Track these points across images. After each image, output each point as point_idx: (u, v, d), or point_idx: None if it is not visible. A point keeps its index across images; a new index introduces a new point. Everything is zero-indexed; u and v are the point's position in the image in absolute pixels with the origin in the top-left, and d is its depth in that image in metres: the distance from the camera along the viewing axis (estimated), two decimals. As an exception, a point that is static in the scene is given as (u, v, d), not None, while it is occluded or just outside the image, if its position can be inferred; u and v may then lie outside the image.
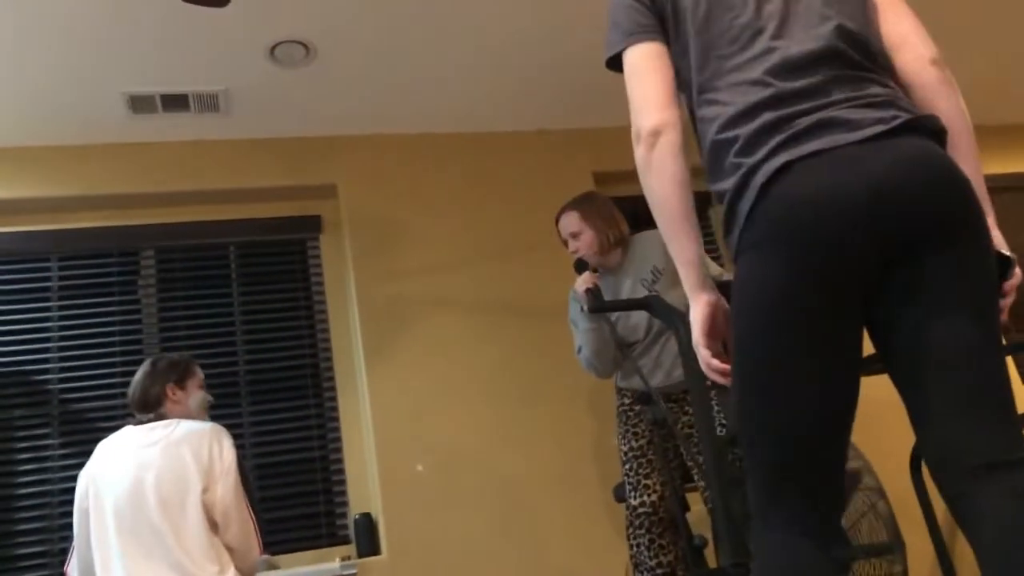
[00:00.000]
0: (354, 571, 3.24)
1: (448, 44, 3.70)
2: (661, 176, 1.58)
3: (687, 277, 1.60)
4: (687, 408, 3.11)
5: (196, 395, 2.86)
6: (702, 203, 4.63)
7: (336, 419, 3.90)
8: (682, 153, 1.58)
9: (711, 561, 2.88)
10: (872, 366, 1.49)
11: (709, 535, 2.83)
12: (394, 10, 3.42)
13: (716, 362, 1.58)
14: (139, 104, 3.73)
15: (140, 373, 2.83)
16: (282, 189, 4.14)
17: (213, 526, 2.59)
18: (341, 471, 3.82)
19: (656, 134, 1.58)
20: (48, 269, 3.87)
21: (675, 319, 2.65)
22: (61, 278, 3.87)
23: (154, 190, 3.97)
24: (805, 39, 1.52)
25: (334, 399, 3.93)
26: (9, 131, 3.77)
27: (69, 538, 3.21)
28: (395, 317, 3.96)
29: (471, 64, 3.86)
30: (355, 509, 3.73)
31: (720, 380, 1.57)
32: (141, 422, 2.74)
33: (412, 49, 3.69)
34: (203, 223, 4.06)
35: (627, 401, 3.22)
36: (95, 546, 2.55)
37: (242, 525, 2.66)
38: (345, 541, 3.69)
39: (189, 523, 2.54)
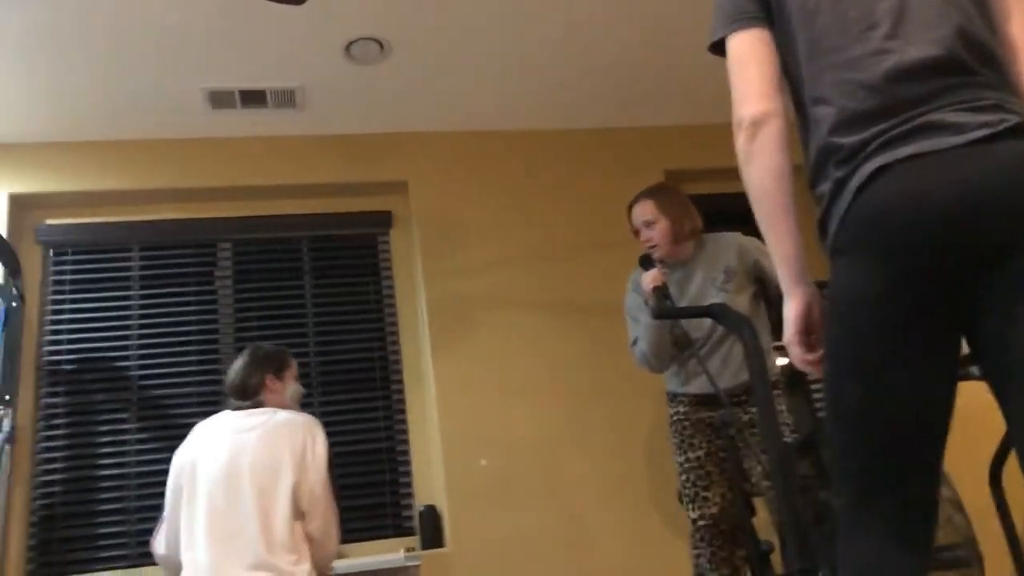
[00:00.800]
0: (418, 563, 3.28)
1: (521, 41, 3.70)
2: (761, 168, 1.54)
3: (784, 273, 1.57)
4: (749, 409, 3.02)
5: (292, 386, 2.94)
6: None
7: (403, 412, 3.95)
8: (785, 144, 1.54)
9: (777, 568, 2.83)
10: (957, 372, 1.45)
11: (774, 540, 2.78)
12: (467, 7, 3.44)
13: (810, 356, 1.55)
14: (218, 99, 3.83)
15: (240, 361, 2.90)
16: (354, 185, 4.20)
17: (298, 516, 2.65)
18: (407, 463, 3.86)
19: (758, 124, 1.54)
20: (130, 259, 3.99)
21: (742, 325, 2.58)
22: (142, 268, 3.99)
23: (231, 184, 4.08)
24: (922, 42, 1.44)
25: (401, 392, 3.98)
26: (94, 126, 3.91)
27: (146, 519, 3.33)
28: (462, 313, 3.99)
29: (543, 61, 3.86)
30: (420, 501, 3.77)
31: (815, 372, 1.55)
32: (238, 408, 2.81)
33: (485, 46, 3.71)
34: (277, 217, 4.15)
35: (683, 410, 3.08)
36: (183, 523, 2.62)
37: (326, 517, 2.71)
38: (409, 532, 3.74)
39: (278, 511, 2.59)
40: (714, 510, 2.96)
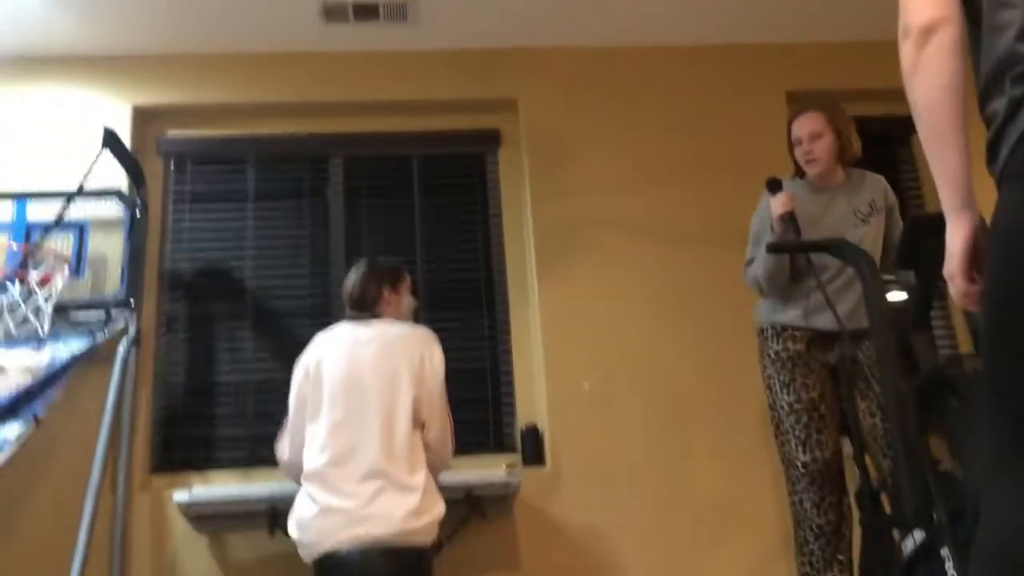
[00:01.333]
0: (519, 480, 3.32)
1: (640, -47, 3.55)
2: (930, 80, 1.41)
3: (947, 197, 1.43)
4: (863, 347, 2.93)
5: (407, 299, 3.00)
6: (904, 128, 4.32)
7: (507, 332, 3.97)
8: (959, 53, 1.39)
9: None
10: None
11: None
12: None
13: (975, 289, 1.43)
14: (332, 13, 3.82)
15: (357, 273, 2.95)
16: (464, 102, 4.16)
17: (417, 425, 2.71)
18: (510, 383, 3.90)
19: (929, 31, 1.40)
20: (245, 172, 4.08)
21: (861, 260, 2.50)
22: (257, 181, 4.08)
23: (343, 99, 4.10)
24: None
25: (506, 312, 3.99)
26: (213, 38, 3.97)
27: (260, 424, 3.47)
28: (568, 235, 3.94)
29: (662, -26, 3.69)
30: (522, 420, 3.81)
31: (973, 308, 1.43)
32: (355, 319, 2.87)
33: (602, -42, 3.57)
34: (387, 134, 4.16)
35: (794, 347, 2.95)
36: (308, 430, 2.70)
37: (444, 426, 2.79)
38: (511, 449, 3.79)
39: (399, 420, 2.66)
40: (827, 454, 2.87)
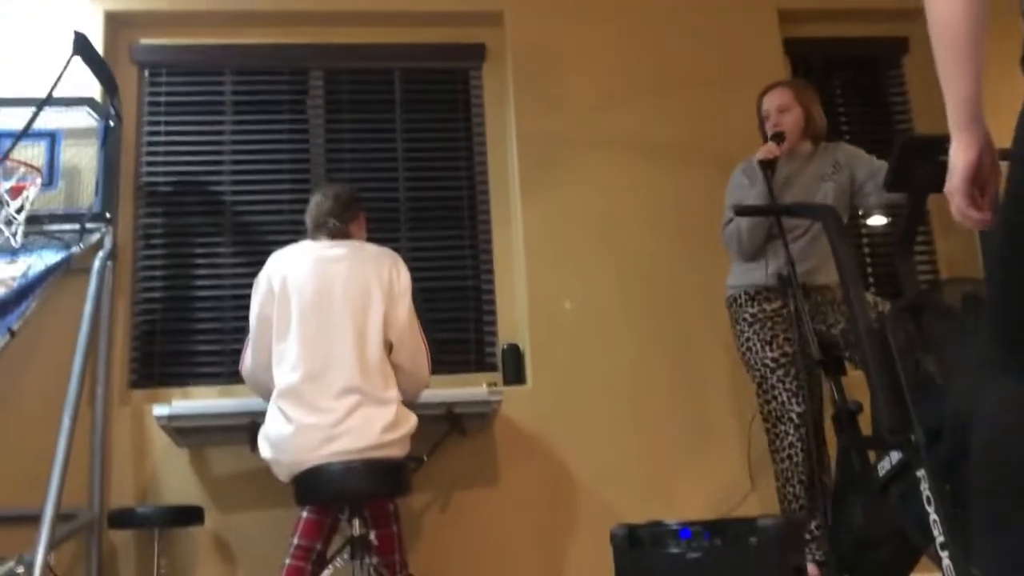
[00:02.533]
0: (500, 398, 3.34)
1: None
2: None
3: (955, 114, 1.41)
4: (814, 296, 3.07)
5: (364, 228, 2.99)
6: (895, 49, 4.25)
7: (489, 251, 3.94)
8: None
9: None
10: None
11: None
12: None
13: (973, 211, 1.42)
14: (311, -84, 3.66)
15: (328, 199, 2.89)
16: (449, 14, 4.05)
17: (387, 347, 2.70)
18: (492, 301, 3.89)
19: None
20: (222, 83, 3.97)
21: (825, 214, 2.68)
22: (235, 92, 3.97)
23: (325, 8, 3.97)
24: None
25: (488, 231, 3.96)
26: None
27: (239, 339, 3.44)
28: (553, 152, 3.89)
29: None
30: (503, 339, 3.81)
31: (976, 227, 1.44)
32: (330, 236, 2.84)
33: None
34: (370, 46, 4.04)
35: (768, 307, 3.04)
36: (274, 346, 2.68)
37: (415, 346, 2.78)
38: (492, 368, 3.80)
39: (371, 336, 2.66)
40: (816, 404, 2.97)
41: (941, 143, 2.29)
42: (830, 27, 4.25)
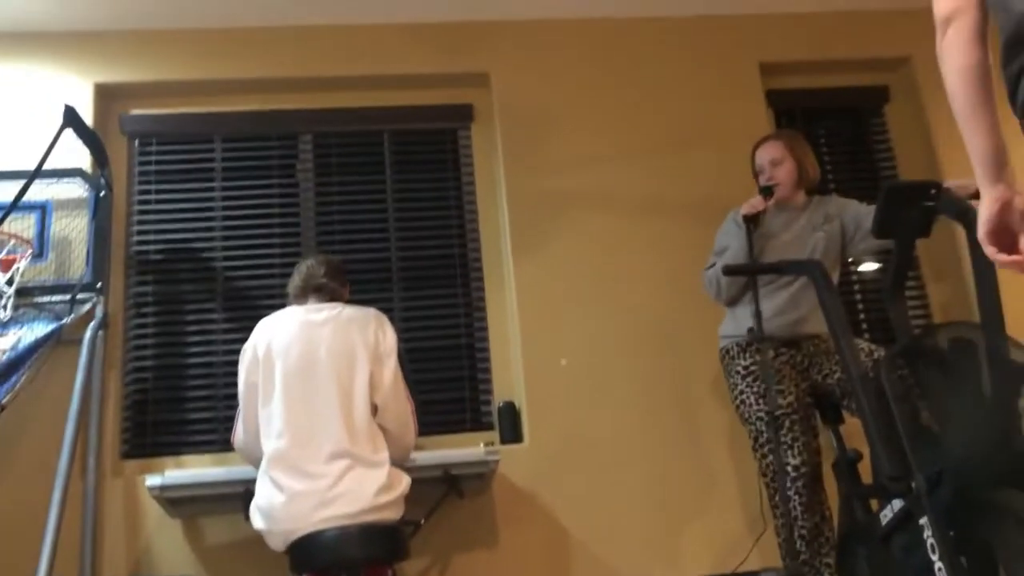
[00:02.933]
0: (497, 458, 3.29)
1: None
2: (948, 66, 1.54)
3: (978, 172, 1.55)
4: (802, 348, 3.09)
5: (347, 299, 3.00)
6: (877, 98, 4.31)
7: (483, 308, 3.93)
8: (976, 40, 1.52)
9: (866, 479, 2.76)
10: None
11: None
12: None
13: (1004, 256, 1.55)
14: (298, -14, 3.73)
15: (320, 265, 2.91)
16: (436, 77, 4.10)
17: (372, 409, 2.68)
18: (486, 359, 3.87)
19: (947, 21, 1.53)
20: (212, 150, 4.00)
21: (812, 269, 2.73)
22: (225, 159, 3.99)
23: (312, 75, 4.02)
24: None
25: (481, 289, 3.96)
26: (177, 14, 3.87)
27: (232, 406, 3.41)
28: (544, 209, 3.91)
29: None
30: (499, 397, 3.79)
31: (1016, 270, 1.57)
32: (315, 301, 2.85)
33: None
34: (359, 110, 4.09)
35: (780, 357, 3.03)
36: (261, 415, 2.66)
37: (402, 409, 2.75)
38: (488, 427, 3.77)
39: (357, 399, 2.63)
40: (815, 456, 2.93)
41: (926, 189, 2.34)
42: (811, 79, 4.32)
